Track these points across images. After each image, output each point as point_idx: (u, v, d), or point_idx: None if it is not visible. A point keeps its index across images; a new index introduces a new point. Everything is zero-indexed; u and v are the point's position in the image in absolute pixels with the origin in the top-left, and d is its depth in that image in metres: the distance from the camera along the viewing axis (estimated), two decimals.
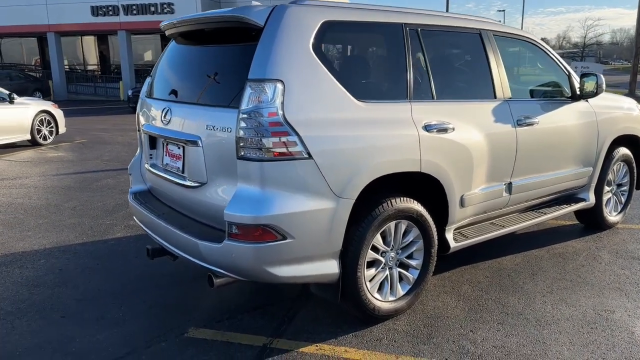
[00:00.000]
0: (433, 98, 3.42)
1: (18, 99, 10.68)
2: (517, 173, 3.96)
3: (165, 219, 3.23)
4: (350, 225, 3.01)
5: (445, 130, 3.34)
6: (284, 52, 2.77)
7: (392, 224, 3.22)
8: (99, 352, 2.99)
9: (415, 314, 3.42)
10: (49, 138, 11.22)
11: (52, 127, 11.27)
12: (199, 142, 2.94)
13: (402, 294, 3.39)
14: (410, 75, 3.28)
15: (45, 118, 11.05)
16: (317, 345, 3.05)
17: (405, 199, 3.23)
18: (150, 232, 3.45)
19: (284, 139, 2.68)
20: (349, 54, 3.71)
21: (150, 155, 3.57)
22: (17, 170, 8.37)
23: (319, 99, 2.84)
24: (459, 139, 3.42)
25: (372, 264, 3.24)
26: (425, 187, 3.45)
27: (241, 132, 2.67)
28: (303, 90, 2.79)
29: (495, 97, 3.80)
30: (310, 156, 2.74)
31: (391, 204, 3.15)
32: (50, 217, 5.69)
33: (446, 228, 3.58)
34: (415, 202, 3.29)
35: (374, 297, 3.23)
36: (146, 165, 3.62)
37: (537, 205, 4.46)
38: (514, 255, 4.43)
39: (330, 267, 2.95)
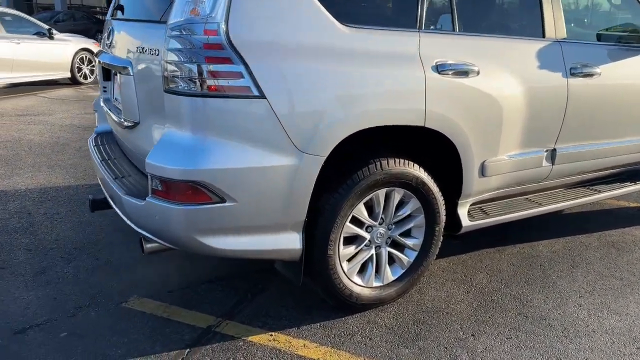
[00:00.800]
0: (454, 29, 2.59)
1: (58, 35, 10.46)
2: (565, 138, 3.07)
3: (106, 165, 2.68)
4: (320, 190, 2.33)
5: (465, 73, 2.52)
6: None
7: (381, 192, 2.50)
8: (12, 315, 2.53)
9: (408, 305, 2.74)
10: (90, 77, 11.02)
11: (93, 66, 11.05)
12: (130, 69, 2.32)
13: (391, 279, 2.70)
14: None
15: (85, 56, 10.81)
16: (271, 335, 2.45)
17: (401, 161, 2.49)
18: (99, 180, 2.92)
19: (223, 67, 2.00)
20: None
21: (104, 88, 3.00)
22: (44, 107, 8.17)
23: (282, 16, 2.12)
24: (485, 87, 2.60)
25: (352, 240, 2.56)
26: (432, 147, 2.68)
27: (168, 56, 2.02)
28: (260, 1, 2.07)
29: (543, 36, 2.90)
30: (262, 95, 2.05)
31: (380, 167, 2.42)
32: (50, 156, 5.35)
33: (459, 202, 2.81)
34: (416, 165, 2.54)
35: (352, 282, 2.57)
36: (101, 102, 3.06)
37: (589, 181, 3.56)
38: (553, 240, 3.58)
39: (289, 242, 2.30)
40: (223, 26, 1.99)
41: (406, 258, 2.71)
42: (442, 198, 2.70)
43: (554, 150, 3.07)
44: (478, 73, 2.57)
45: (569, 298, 2.84)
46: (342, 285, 2.50)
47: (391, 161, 2.46)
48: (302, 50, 2.14)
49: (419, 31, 2.45)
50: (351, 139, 2.32)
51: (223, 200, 2.09)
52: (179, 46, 2.00)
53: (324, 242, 2.38)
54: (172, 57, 2.00)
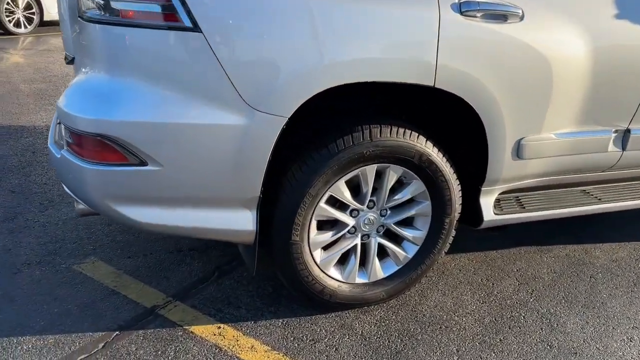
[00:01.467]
0: None
1: None
2: None
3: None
4: (285, 160, 1.83)
5: (502, 17, 1.85)
6: None
7: (369, 169, 1.94)
8: None
9: (400, 310, 2.20)
10: (27, 26, 9.14)
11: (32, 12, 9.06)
12: None
13: (381, 276, 2.16)
14: None
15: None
16: (219, 327, 2.03)
17: (399, 130, 1.91)
18: None
19: None
20: None
21: None
22: None
23: None
24: (531, 39, 1.91)
25: (329, 224, 2.05)
26: (448, 115, 2.06)
27: None
28: None
29: None
30: (195, 26, 1.55)
31: (369, 136, 1.86)
32: None
33: (482, 188, 2.18)
34: (420, 138, 1.94)
35: (327, 275, 2.07)
36: None
37: None
38: (617, 245, 2.83)
39: (238, 221, 1.83)
40: None
41: (403, 253, 2.16)
42: (457, 182, 2.09)
43: (628, 131, 2.30)
44: (522, 18, 1.88)
45: (617, 327, 2.16)
46: (312, 278, 2.01)
47: (385, 130, 1.88)
48: None
49: None
50: (331, 96, 1.78)
51: (144, 163, 1.65)
52: None
53: (286, 226, 1.88)
54: None
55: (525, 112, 2.02)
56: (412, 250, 2.17)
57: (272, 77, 1.65)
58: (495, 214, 2.22)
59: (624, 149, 2.34)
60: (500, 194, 2.29)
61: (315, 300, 2.08)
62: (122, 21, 1.53)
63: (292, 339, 2.00)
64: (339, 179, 1.91)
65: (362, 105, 2.05)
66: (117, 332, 1.97)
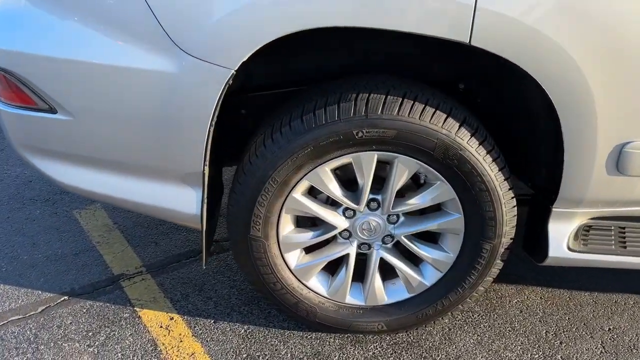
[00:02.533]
0: None
1: None
2: None
3: None
4: (242, 131, 1.35)
5: None
6: None
7: (365, 157, 1.35)
8: None
9: (406, 352, 1.62)
10: None
11: None
12: None
13: (383, 302, 1.59)
14: None
15: None
16: (172, 317, 1.68)
17: (413, 105, 1.28)
18: None
19: None
20: None
21: None
22: None
23: None
24: None
25: (314, 222, 1.53)
26: (504, 87, 1.37)
27: None
28: None
29: None
30: None
31: (364, 109, 1.28)
32: None
33: (553, 209, 1.44)
34: (448, 120, 1.30)
35: (305, 286, 1.57)
36: None
37: None
38: None
39: (176, 201, 1.41)
40: None
41: (417, 278, 1.55)
42: (509, 194, 1.40)
43: None
44: None
45: None
46: (281, 286, 1.53)
47: (391, 103, 1.28)
48: None
49: None
50: (319, 47, 1.24)
51: (53, 110, 1.30)
52: None
53: (242, 216, 1.42)
54: None
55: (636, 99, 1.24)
56: (432, 276, 1.56)
57: (212, 11, 1.16)
58: (571, 249, 1.47)
59: None
60: (589, 219, 1.52)
61: (290, 315, 1.61)
62: None
63: (244, 355, 1.57)
64: (320, 164, 1.36)
65: (368, 64, 1.45)
66: (65, 297, 1.74)
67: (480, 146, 1.33)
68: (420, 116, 1.29)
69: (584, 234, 1.52)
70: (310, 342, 1.62)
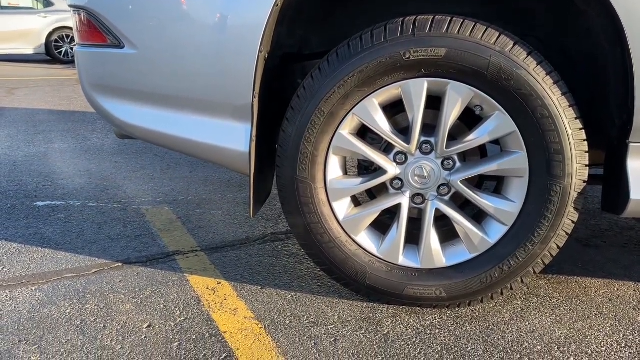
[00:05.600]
0: None
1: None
2: None
3: None
4: (285, 61, 1.39)
5: None
6: None
7: (414, 84, 1.31)
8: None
9: (468, 324, 1.42)
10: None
11: None
12: None
13: (441, 264, 1.44)
14: None
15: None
16: (219, 282, 1.61)
17: (463, 22, 1.25)
18: None
19: None
20: None
21: None
22: None
23: None
24: None
25: (365, 168, 1.47)
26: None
27: None
28: None
29: None
30: None
31: (411, 28, 1.26)
32: None
33: (630, 143, 1.29)
34: (501, 37, 1.24)
35: (354, 241, 1.46)
36: None
37: None
38: None
39: (226, 137, 1.43)
40: None
41: (479, 234, 1.40)
42: (576, 123, 1.28)
43: None
44: None
45: None
46: (329, 239, 1.44)
47: (440, 20, 1.26)
48: None
49: None
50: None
51: (120, 45, 1.41)
52: None
53: (290, 154, 1.39)
54: None
55: None
56: (497, 231, 1.40)
57: None
58: None
59: None
60: None
61: (338, 276, 1.49)
62: None
63: (289, 314, 1.45)
64: (367, 95, 1.34)
65: None
66: (119, 264, 1.74)
67: (539, 66, 1.25)
68: (470, 34, 1.25)
69: None
70: (361, 309, 1.48)
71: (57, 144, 3.43)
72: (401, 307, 1.48)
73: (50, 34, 11.13)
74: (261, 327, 1.39)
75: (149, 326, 1.39)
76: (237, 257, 1.80)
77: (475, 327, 1.40)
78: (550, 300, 1.54)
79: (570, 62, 1.45)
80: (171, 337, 1.34)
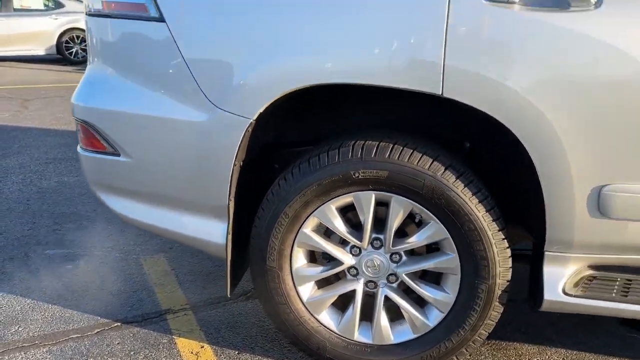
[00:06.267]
0: None
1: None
2: None
3: None
4: (252, 168, 1.62)
5: (561, 3, 1.30)
6: None
7: (365, 197, 1.55)
8: None
9: None
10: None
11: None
12: None
13: (389, 341, 1.68)
14: None
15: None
16: (202, 346, 1.87)
17: (403, 149, 1.49)
18: None
19: None
20: None
21: None
22: None
23: None
24: (612, 35, 1.28)
25: (327, 258, 1.71)
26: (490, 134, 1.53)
27: None
28: None
29: None
30: (161, 16, 1.51)
31: (360, 154, 1.50)
32: None
33: (545, 252, 1.52)
34: (434, 163, 1.47)
35: (316, 319, 1.71)
36: None
37: None
38: None
39: (207, 231, 1.68)
40: None
41: (420, 318, 1.64)
42: (500, 235, 1.51)
43: None
44: (596, 4, 1.28)
45: None
46: (294, 317, 1.69)
47: (383, 147, 1.49)
48: None
49: None
50: (316, 99, 1.53)
51: (117, 153, 1.66)
52: None
53: (260, 247, 1.64)
54: None
55: (609, 145, 1.35)
56: (435, 317, 1.64)
57: (235, 75, 1.49)
58: (567, 293, 1.51)
59: None
60: (593, 269, 1.56)
61: (303, 349, 1.75)
62: (104, 12, 1.60)
63: None
64: (325, 202, 1.58)
65: (371, 115, 1.69)
66: (118, 323, 2.01)
67: (466, 187, 1.48)
68: (408, 159, 1.48)
69: (586, 282, 1.55)
70: None
71: (66, 177, 3.70)
72: None
73: (61, 35, 11.43)
74: None
75: None
76: (221, 317, 2.06)
77: None
78: None
79: (499, 174, 1.68)
80: None
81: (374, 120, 1.78)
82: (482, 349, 1.88)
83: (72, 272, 2.39)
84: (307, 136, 1.82)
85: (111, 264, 2.46)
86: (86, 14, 1.70)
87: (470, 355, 1.84)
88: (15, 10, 11.73)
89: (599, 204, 1.40)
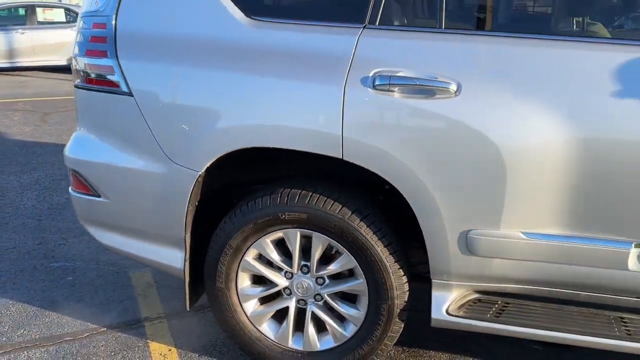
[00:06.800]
0: (439, 26, 1.73)
1: None
2: None
3: None
4: (206, 209, 2.02)
5: (428, 92, 1.67)
6: None
7: (292, 233, 1.95)
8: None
9: None
10: None
11: None
12: None
13: (315, 348, 2.07)
14: None
15: None
16: (170, 349, 2.29)
17: (319, 198, 1.87)
18: None
19: (98, 61, 1.97)
20: None
21: None
22: None
23: (172, 8, 1.91)
24: (471, 119, 1.66)
25: (260, 281, 2.10)
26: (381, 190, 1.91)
27: (74, 48, 2.10)
28: None
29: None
30: (130, 92, 1.92)
31: (286, 200, 1.89)
32: None
33: (432, 280, 1.89)
34: (343, 209, 1.86)
35: (258, 330, 2.11)
36: None
37: None
38: None
39: (169, 258, 2.08)
40: (113, 20, 1.95)
41: (339, 329, 2.03)
42: (396, 265, 1.88)
43: None
44: (456, 93, 1.65)
45: None
46: (240, 328, 2.09)
47: (303, 195, 1.88)
48: (190, 45, 1.88)
49: (364, 27, 1.75)
50: (254, 156, 1.92)
51: (98, 195, 2.08)
52: (81, 38, 2.06)
53: (210, 272, 2.05)
54: (75, 50, 2.08)
55: (469, 200, 1.72)
56: (351, 330, 2.02)
57: (188, 136, 1.89)
58: (450, 313, 1.88)
59: None
60: (480, 293, 1.93)
61: (248, 354, 2.14)
62: (87, 86, 2.02)
63: None
64: (261, 237, 1.97)
65: (285, 167, 2.07)
66: (104, 328, 2.43)
67: (368, 228, 1.86)
68: (322, 205, 1.87)
69: (471, 304, 1.92)
70: None
71: None
72: None
73: None
74: None
75: None
76: (189, 325, 2.47)
77: None
78: None
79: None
80: None
81: (310, 167, 2.16)
82: (402, 355, 2.26)
83: (71, 283, 2.83)
84: (257, 180, 2.22)
85: (105, 276, 2.90)
86: (74, 86, 2.13)
87: None
88: (39, 23, 12.37)
89: (467, 244, 1.77)
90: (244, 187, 2.23)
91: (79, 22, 2.06)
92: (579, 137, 1.61)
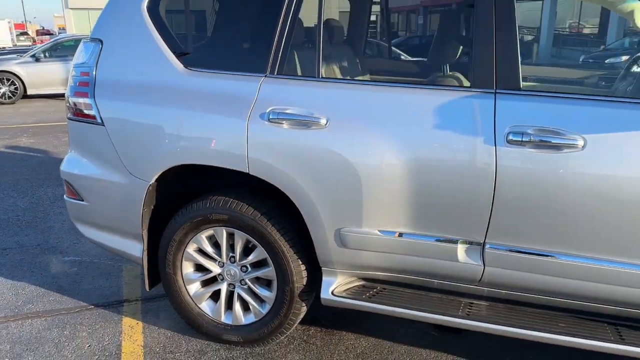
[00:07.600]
0: (318, 76, 2.31)
1: None
2: (502, 231, 2.09)
3: None
4: (157, 210, 2.64)
5: (305, 124, 2.24)
6: (113, 11, 2.63)
7: (218, 230, 2.54)
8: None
9: (251, 356, 2.61)
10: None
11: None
12: None
13: (241, 322, 2.64)
14: (277, 43, 2.34)
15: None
16: (137, 322, 2.91)
17: (230, 202, 2.46)
18: None
19: (81, 99, 2.65)
20: (191, 14, 2.89)
21: None
22: None
23: (134, 62, 2.56)
24: (333, 144, 2.21)
25: (201, 268, 2.69)
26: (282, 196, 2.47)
27: (68, 90, 2.80)
28: (122, 51, 2.59)
29: (469, 86, 2.10)
30: (102, 123, 2.59)
31: (213, 204, 2.49)
32: None
33: (322, 267, 2.43)
34: (254, 212, 2.43)
35: (198, 307, 2.70)
36: None
37: (617, 318, 2.15)
38: None
39: (132, 248, 2.72)
40: (94, 70, 2.63)
41: (257, 308, 2.59)
42: (296, 256, 2.44)
43: (483, 245, 2.14)
44: (326, 125, 2.22)
45: None
46: (185, 305, 2.69)
47: (224, 201, 2.48)
48: (142, 88, 2.52)
49: (264, 76, 2.35)
50: (192, 171, 2.53)
51: (82, 199, 2.75)
52: (71, 82, 2.75)
53: (161, 260, 2.66)
54: (68, 92, 2.78)
55: (338, 205, 2.26)
56: (266, 308, 2.58)
57: (140, 156, 2.53)
58: (335, 294, 2.41)
59: (485, 264, 2.16)
60: (365, 280, 2.45)
61: (191, 325, 2.74)
62: (75, 118, 2.70)
63: (162, 345, 2.71)
64: (198, 233, 2.58)
65: (214, 179, 2.67)
66: (92, 306, 3.09)
67: (273, 227, 2.42)
68: (239, 209, 2.45)
69: (356, 288, 2.44)
70: (200, 345, 2.71)
71: None
72: (221, 345, 2.69)
73: None
74: (142, 352, 2.66)
75: (89, 346, 2.71)
76: (158, 307, 3.09)
77: (260, 356, 2.59)
78: (308, 344, 2.68)
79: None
80: (97, 351, 2.65)
81: (234, 180, 2.74)
82: (317, 334, 2.79)
83: (75, 272, 3.52)
84: (203, 187, 2.83)
85: (102, 269, 3.58)
86: (67, 118, 2.82)
87: (307, 337, 2.74)
88: (58, 56, 12.79)
89: (341, 239, 2.30)
90: (202, 194, 2.84)
91: (71, 71, 2.76)
92: (409, 159, 2.13)
